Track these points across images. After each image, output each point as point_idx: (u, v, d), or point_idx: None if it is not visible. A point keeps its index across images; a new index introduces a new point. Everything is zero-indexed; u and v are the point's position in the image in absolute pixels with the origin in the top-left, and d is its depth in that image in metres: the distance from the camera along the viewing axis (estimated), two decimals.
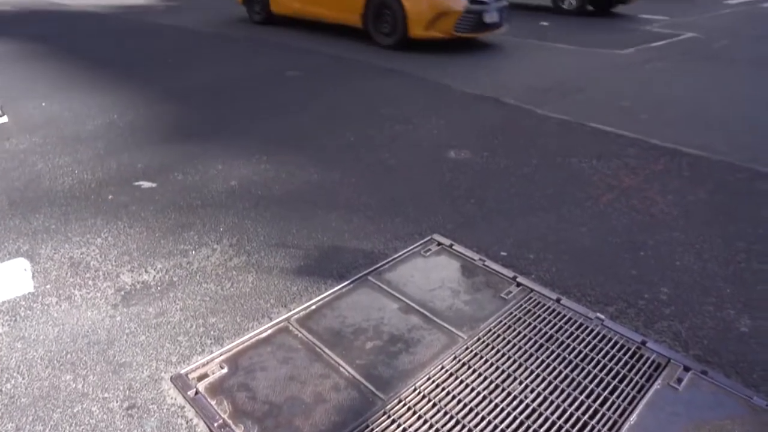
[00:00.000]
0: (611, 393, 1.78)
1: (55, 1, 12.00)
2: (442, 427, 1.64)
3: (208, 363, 1.86)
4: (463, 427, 1.64)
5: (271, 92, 5.14)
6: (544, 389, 1.78)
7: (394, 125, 4.26)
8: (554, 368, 1.87)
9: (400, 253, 2.52)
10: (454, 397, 1.74)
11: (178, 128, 4.14)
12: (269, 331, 2.02)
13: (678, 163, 3.65)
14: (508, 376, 1.83)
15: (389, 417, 1.66)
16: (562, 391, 1.78)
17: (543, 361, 1.90)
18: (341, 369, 1.84)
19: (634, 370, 1.87)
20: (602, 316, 2.13)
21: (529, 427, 1.64)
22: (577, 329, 2.06)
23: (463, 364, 1.88)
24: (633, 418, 1.68)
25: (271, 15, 8.78)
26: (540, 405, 1.72)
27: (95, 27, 8.80)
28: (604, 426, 1.65)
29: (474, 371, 1.85)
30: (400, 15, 6.77)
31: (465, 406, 1.71)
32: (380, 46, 7.13)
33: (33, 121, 4.19)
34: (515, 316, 2.13)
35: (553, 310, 2.16)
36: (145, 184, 3.18)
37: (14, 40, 7.40)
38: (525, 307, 2.17)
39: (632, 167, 3.56)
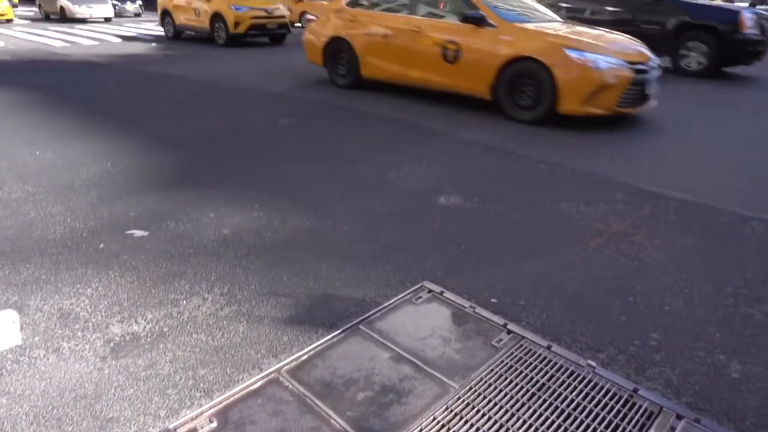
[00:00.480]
0: None
1: (55, 51, 12.26)
2: None
3: (197, 417, 1.83)
4: None
5: (265, 139, 5.22)
6: None
7: (388, 172, 4.33)
8: (546, 418, 1.86)
9: (391, 301, 2.52)
10: None
11: (172, 176, 4.18)
12: (259, 383, 2.00)
13: (664, 208, 3.71)
14: (500, 426, 1.82)
15: None
16: None
17: (535, 411, 1.89)
18: (332, 421, 1.82)
19: (627, 419, 1.86)
20: (593, 363, 2.13)
21: None
22: (568, 377, 2.06)
23: (455, 415, 1.86)
24: None
25: (361, 79, 7.50)
26: None
27: (94, 76, 8.97)
28: None
29: (466, 422, 1.83)
30: (549, 86, 5.66)
31: None
32: (516, 120, 5.98)
33: (27, 170, 4.23)
34: (506, 364, 2.12)
35: (545, 358, 2.16)
36: (137, 233, 3.19)
37: (11, 90, 7.53)
38: (516, 355, 2.17)
39: (620, 212, 3.62)
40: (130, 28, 18.72)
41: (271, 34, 14.07)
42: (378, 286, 2.66)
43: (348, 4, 7.59)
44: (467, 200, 3.76)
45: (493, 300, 2.56)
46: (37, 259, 2.87)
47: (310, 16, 8.16)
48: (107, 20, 21.89)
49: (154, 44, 14.01)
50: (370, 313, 2.42)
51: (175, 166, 4.43)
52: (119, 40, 14.97)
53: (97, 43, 14.17)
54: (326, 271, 2.80)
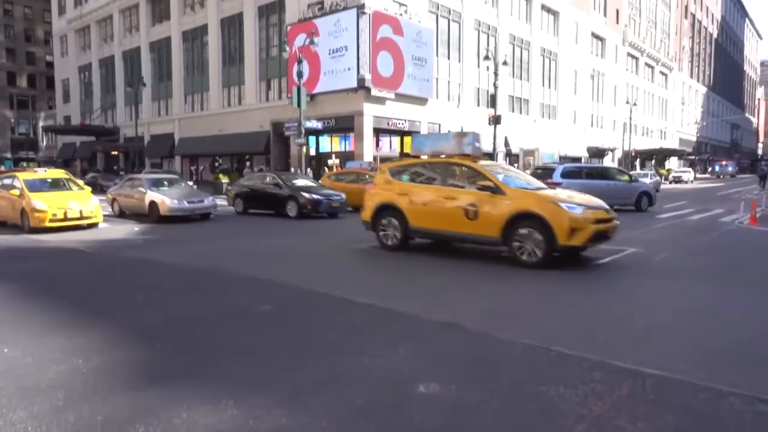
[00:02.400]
0: None
1: (34, 237, 12.44)
2: None
3: None
4: None
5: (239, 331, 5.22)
6: None
7: (363, 359, 4.30)
8: None
9: None
10: None
11: (145, 372, 4.08)
12: None
13: (642, 386, 3.72)
14: None
15: None
16: None
17: None
18: None
19: None
20: None
21: None
22: None
23: None
24: None
25: None
26: None
27: (70, 264, 9.08)
28: None
29: None
30: None
31: None
32: None
33: None
34: None
35: None
36: None
37: None
38: None
39: (599, 393, 3.61)
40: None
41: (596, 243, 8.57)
42: None
43: None
44: (446, 388, 3.72)
45: None
46: None
47: None
48: (205, 217, 16.33)
49: (136, 229, 14.32)
50: None
51: (148, 361, 4.34)
52: (105, 224, 15.30)
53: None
54: None
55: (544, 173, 18.88)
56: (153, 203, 15.70)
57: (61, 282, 7.49)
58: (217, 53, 38.47)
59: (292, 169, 28.78)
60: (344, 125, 30.45)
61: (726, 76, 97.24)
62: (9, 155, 67.18)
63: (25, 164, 64.56)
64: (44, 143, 64.69)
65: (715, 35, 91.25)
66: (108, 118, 48.88)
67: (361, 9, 28.10)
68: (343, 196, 17.21)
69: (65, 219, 13.44)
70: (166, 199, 15.54)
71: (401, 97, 30.93)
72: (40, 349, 4.55)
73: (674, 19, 71.60)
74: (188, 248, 10.53)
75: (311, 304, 6.04)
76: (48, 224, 13.26)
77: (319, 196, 16.52)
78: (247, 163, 35.85)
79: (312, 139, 32.08)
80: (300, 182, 17.98)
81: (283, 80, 33.28)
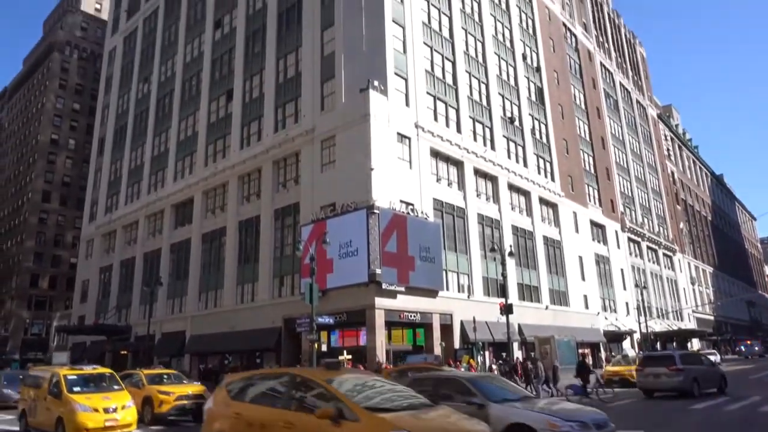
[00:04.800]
0: None
1: None
2: None
3: None
4: None
5: None
6: None
7: None
8: None
9: None
10: None
11: None
12: None
13: None
14: None
15: None
16: None
17: None
18: None
19: None
20: None
21: None
22: None
23: None
24: None
25: None
26: None
27: None
28: None
29: None
30: None
31: None
32: None
33: None
34: None
35: None
36: None
37: None
38: None
39: None
40: None
41: None
42: None
43: None
44: None
45: None
46: None
47: None
48: None
49: None
50: None
51: None
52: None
53: None
54: None
55: (662, 360, 20.46)
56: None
57: None
58: (233, 253, 40.19)
59: (300, 366, 27.97)
60: (356, 319, 30.41)
61: (729, 255, 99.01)
62: (17, 356, 66.29)
63: (31, 364, 63.50)
64: (54, 343, 64.36)
65: (709, 218, 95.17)
66: (121, 317, 49.32)
67: (370, 209, 29.98)
68: None
69: None
70: (558, 423, 8.07)
71: (412, 290, 31.32)
72: None
73: (667, 205, 75.45)
74: None
75: None
76: None
77: None
78: (257, 361, 35.03)
79: (323, 333, 31.83)
80: None
81: (296, 276, 34.12)
